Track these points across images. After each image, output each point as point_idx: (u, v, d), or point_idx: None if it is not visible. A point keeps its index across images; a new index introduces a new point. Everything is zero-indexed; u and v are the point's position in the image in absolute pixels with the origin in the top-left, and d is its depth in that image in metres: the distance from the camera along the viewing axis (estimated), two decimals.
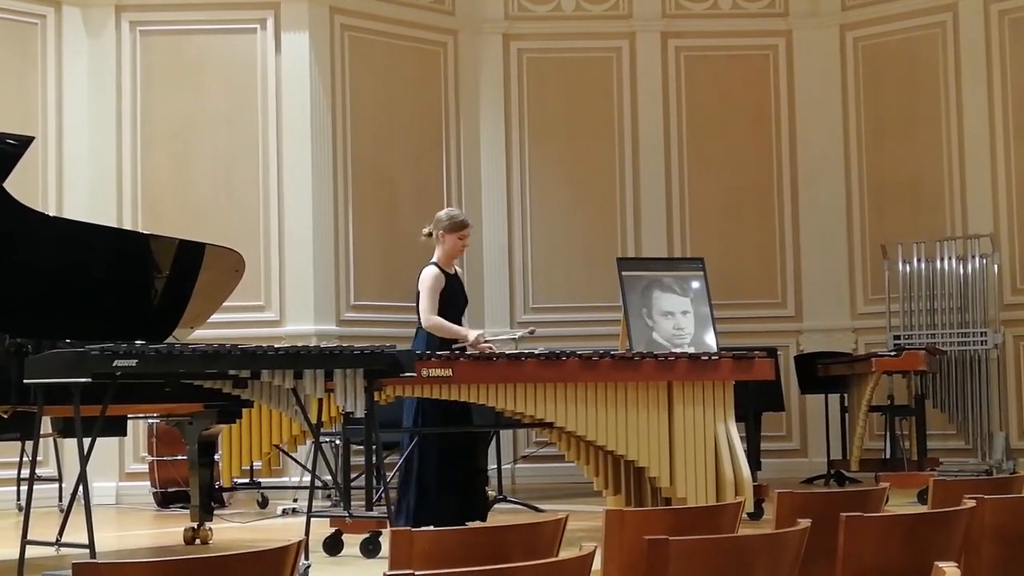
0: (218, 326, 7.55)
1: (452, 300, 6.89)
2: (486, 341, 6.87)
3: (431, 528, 2.86)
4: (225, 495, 8.37)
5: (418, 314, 6.88)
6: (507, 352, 6.58)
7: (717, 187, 10.88)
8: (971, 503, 3.45)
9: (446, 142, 10.61)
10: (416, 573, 2.31)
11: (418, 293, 6.86)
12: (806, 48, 10.98)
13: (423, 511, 6.63)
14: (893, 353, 9.02)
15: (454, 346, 6.70)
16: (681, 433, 6.50)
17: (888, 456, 9.44)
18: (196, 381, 5.66)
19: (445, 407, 6.57)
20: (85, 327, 5.82)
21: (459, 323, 6.90)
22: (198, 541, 6.51)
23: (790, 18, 11.03)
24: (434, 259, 6.91)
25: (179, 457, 8.15)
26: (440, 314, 6.80)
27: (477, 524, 6.29)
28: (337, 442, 7.79)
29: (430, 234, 6.94)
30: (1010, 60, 10.20)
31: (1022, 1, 10.19)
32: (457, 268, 7.09)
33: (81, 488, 5.28)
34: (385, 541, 5.84)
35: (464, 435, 6.91)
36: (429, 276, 6.83)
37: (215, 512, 6.92)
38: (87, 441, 5.29)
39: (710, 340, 7.39)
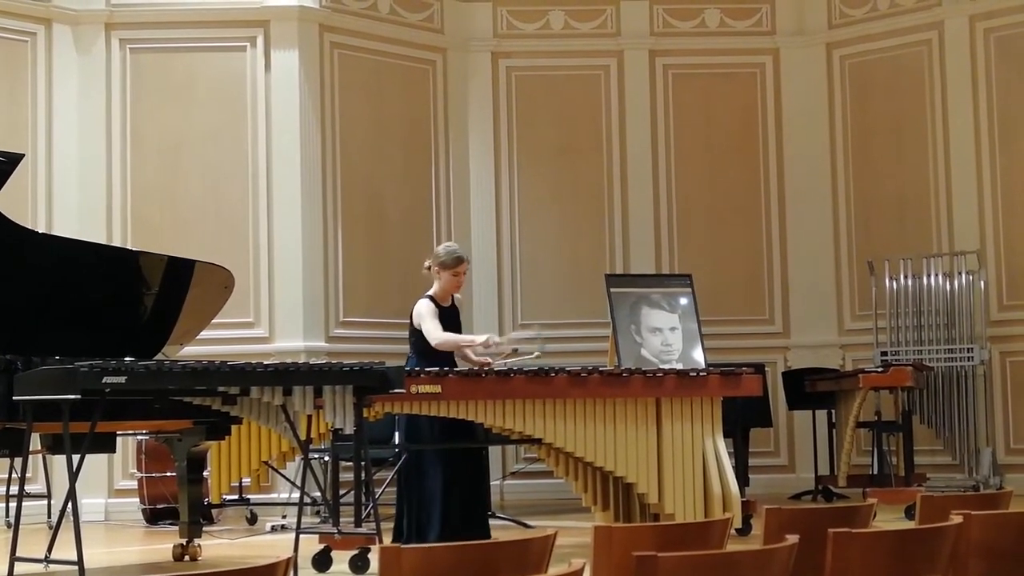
0: (207, 343, 7.55)
1: (445, 328, 6.92)
2: (496, 344, 6.91)
3: (420, 545, 2.87)
4: (214, 511, 8.35)
5: (410, 342, 6.92)
6: (495, 369, 6.59)
7: (705, 204, 10.91)
8: (958, 519, 3.47)
9: (435, 159, 10.62)
10: None
11: (411, 327, 6.90)
12: (793, 66, 11.03)
13: (426, 529, 6.65)
14: (880, 369, 9.05)
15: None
16: (669, 449, 6.52)
17: (875, 472, 9.45)
18: (185, 398, 5.68)
19: (449, 423, 6.58)
20: (74, 344, 5.83)
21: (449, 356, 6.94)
22: (187, 558, 6.51)
23: (777, 36, 11.08)
24: (430, 292, 6.96)
25: (168, 474, 8.13)
26: None
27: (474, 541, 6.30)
28: (326, 458, 7.79)
29: (429, 268, 7.01)
30: (995, 78, 10.25)
31: (1007, 19, 10.25)
32: (456, 296, 7.12)
33: (70, 505, 5.28)
34: (374, 557, 5.84)
35: (471, 450, 6.93)
36: (423, 305, 6.88)
37: (204, 528, 6.91)
38: (76, 458, 5.30)
39: (698, 356, 7.41)
